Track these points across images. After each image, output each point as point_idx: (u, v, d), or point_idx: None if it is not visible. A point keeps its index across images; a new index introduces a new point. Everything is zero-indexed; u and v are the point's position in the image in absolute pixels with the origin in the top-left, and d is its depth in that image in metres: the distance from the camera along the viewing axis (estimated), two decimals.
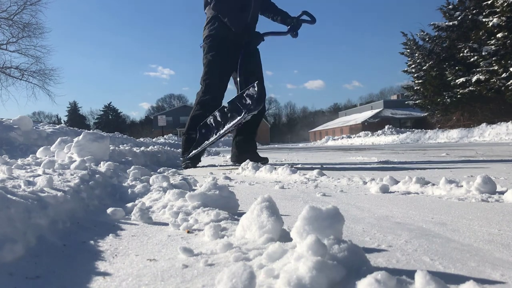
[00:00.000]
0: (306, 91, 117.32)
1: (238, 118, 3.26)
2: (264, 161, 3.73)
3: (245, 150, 3.87)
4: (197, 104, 3.84)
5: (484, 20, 17.53)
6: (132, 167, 2.28)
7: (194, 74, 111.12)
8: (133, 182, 1.91)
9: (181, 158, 3.96)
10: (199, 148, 3.69)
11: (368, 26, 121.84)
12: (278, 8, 4.11)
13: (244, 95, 3.31)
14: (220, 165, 4.04)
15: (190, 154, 3.72)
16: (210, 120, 3.64)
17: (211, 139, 3.59)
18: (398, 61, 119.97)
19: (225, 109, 3.50)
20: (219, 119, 3.56)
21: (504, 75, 16.94)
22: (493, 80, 17.49)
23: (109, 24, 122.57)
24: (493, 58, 17.38)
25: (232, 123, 3.34)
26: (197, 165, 3.93)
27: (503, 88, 17.20)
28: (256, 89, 3.19)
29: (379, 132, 24.84)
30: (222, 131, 3.46)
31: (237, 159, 3.84)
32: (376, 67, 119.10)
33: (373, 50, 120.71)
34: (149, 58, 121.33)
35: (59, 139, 2.98)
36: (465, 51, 19.04)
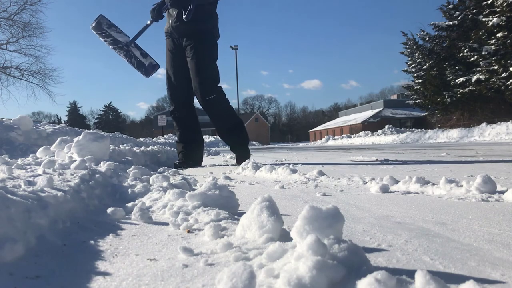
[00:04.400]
0: (304, 90, 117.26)
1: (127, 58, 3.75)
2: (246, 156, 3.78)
3: (234, 149, 3.97)
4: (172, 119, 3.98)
5: (484, 19, 17.51)
6: (132, 167, 2.28)
7: None
8: (133, 182, 1.91)
9: (176, 163, 3.98)
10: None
11: (364, 26, 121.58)
12: None
13: (143, 59, 3.72)
14: (220, 165, 4.04)
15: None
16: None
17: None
18: (395, 60, 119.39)
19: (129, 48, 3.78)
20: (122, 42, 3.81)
21: (504, 74, 16.93)
22: (493, 79, 17.48)
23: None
24: (493, 58, 17.37)
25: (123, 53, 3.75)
26: (201, 165, 3.97)
27: (503, 87, 17.20)
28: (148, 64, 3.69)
29: (379, 132, 24.85)
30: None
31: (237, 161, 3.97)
32: (373, 67, 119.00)
33: (369, 50, 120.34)
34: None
35: (59, 139, 2.98)
36: (465, 51, 19.03)
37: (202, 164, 4.10)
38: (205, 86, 3.70)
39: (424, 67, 22.07)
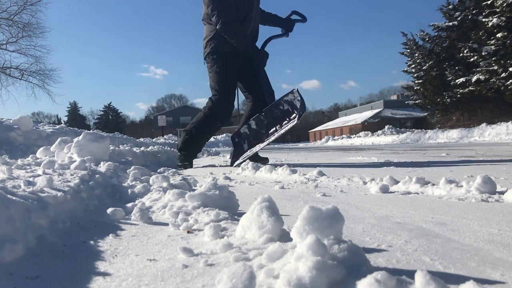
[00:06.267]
0: (303, 91, 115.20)
1: (287, 123, 3.48)
2: (264, 161, 3.76)
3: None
4: (210, 110, 3.89)
5: (484, 20, 17.52)
6: (132, 167, 2.28)
7: (188, 74, 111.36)
8: (133, 182, 1.91)
9: (178, 160, 3.96)
10: (248, 153, 3.70)
11: (363, 26, 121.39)
12: (271, 14, 4.22)
13: (282, 101, 3.52)
14: (220, 165, 4.04)
15: (236, 162, 3.72)
16: (245, 129, 3.78)
17: (258, 146, 3.64)
18: (395, 61, 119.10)
19: (261, 117, 3.67)
20: (254, 127, 3.73)
21: (503, 75, 16.93)
22: (493, 80, 17.48)
23: (106, 23, 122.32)
24: (493, 58, 17.37)
25: (282, 129, 3.52)
26: (194, 165, 3.96)
27: (502, 88, 17.20)
28: (295, 95, 3.42)
29: (379, 132, 24.85)
30: (271, 138, 3.58)
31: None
32: (372, 67, 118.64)
33: (368, 50, 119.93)
34: (142, 58, 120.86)
35: (59, 139, 2.98)
36: (465, 51, 19.03)
37: (202, 164, 4.12)
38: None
39: (424, 67, 22.07)
